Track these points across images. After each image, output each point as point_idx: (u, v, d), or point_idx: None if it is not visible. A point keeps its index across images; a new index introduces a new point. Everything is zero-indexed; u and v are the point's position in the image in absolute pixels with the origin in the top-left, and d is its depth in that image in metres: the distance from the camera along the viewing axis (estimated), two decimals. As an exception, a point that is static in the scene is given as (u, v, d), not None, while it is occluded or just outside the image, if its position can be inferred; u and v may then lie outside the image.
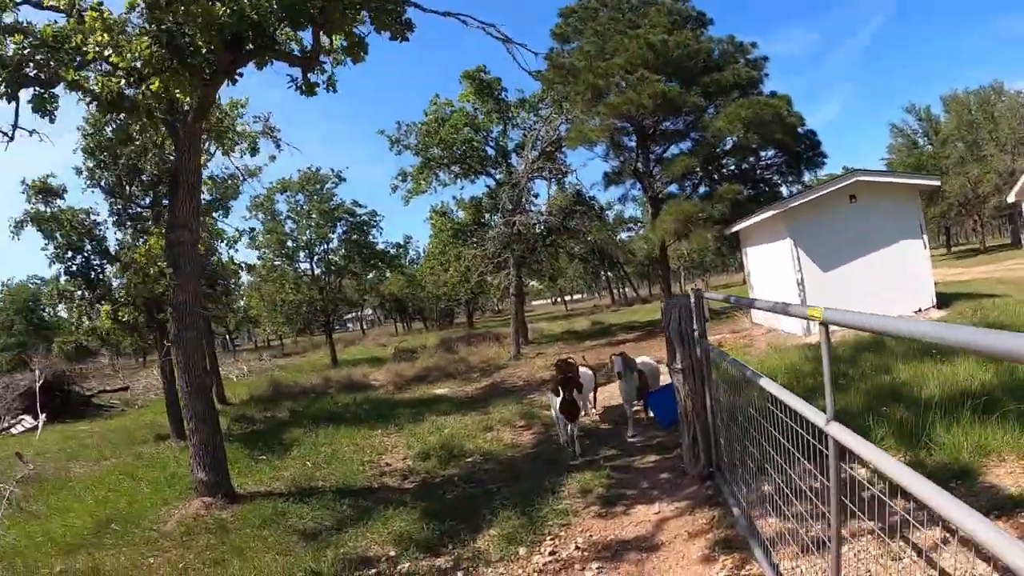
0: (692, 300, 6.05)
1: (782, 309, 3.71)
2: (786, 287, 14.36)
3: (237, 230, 15.99)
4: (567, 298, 69.64)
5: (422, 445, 9.09)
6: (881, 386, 7.40)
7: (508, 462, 8.01)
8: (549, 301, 77.57)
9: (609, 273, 54.47)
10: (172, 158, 8.54)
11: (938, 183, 16.77)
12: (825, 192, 14.25)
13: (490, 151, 23.91)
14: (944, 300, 14.32)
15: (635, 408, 8.78)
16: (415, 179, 22.83)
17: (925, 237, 14.32)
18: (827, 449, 2.90)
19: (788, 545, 4.18)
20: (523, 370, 16.98)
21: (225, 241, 15.10)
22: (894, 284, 13.53)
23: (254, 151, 11.10)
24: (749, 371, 4.30)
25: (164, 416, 12.47)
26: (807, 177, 21.82)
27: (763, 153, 22.30)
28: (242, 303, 33.03)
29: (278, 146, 11.14)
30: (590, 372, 9.12)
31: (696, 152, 20.90)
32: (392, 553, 5.37)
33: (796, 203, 14.41)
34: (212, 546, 5.79)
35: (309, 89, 7.99)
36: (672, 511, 5.63)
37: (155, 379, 20.73)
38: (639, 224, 28.07)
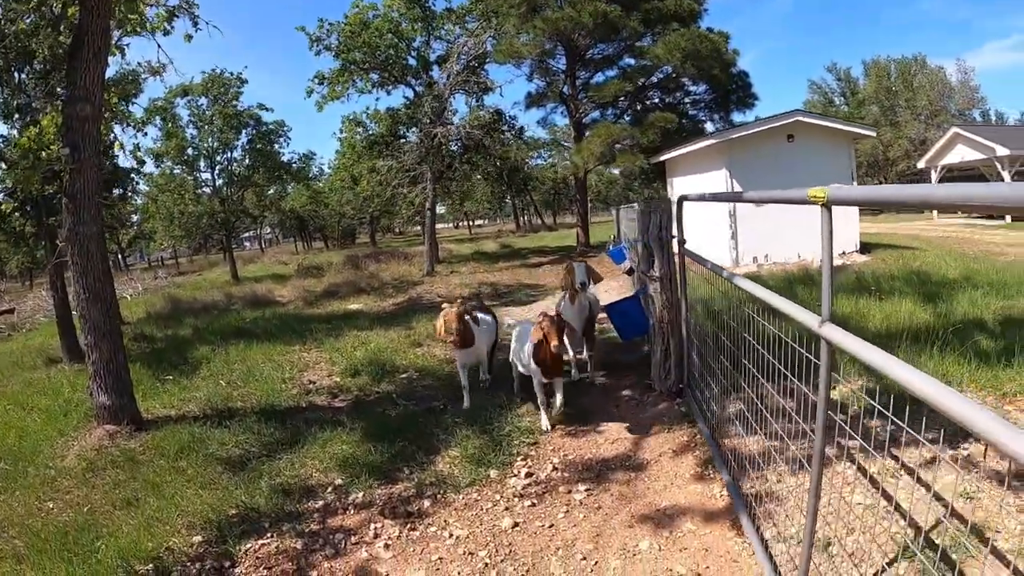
0: (674, 205, 5.54)
1: (780, 196, 3.14)
2: (716, 219, 14.24)
3: (147, 110, 13.65)
4: (471, 223, 68.99)
5: (348, 361, 8.26)
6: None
7: (447, 378, 7.32)
8: (451, 225, 76.58)
9: (516, 199, 54.05)
10: (68, 43, 6.92)
11: (873, 133, 17.10)
12: (764, 128, 14.22)
13: (411, 61, 22.39)
14: (865, 248, 14.74)
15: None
16: (332, 83, 21.00)
17: (855, 184, 14.56)
18: (818, 357, 2.53)
19: (759, 466, 3.87)
20: (439, 287, 16.36)
21: (133, 125, 13.10)
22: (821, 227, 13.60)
23: (167, 27, 9.31)
24: (725, 272, 3.91)
25: (56, 337, 10.84)
26: (736, 116, 21.82)
27: (693, 88, 22.19)
28: (136, 217, 30.35)
29: (196, 24, 9.44)
30: (490, 318, 6.89)
31: (628, 77, 20.41)
32: (339, 481, 4.63)
33: (736, 135, 14.36)
34: (121, 483, 4.78)
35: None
36: (647, 429, 5.23)
37: (44, 300, 18.39)
38: (555, 148, 27.54)
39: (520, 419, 5.64)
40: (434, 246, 21.34)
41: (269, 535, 3.95)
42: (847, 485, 3.81)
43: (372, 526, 3.97)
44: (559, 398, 5.40)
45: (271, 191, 30.66)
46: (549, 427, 5.41)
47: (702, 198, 5.21)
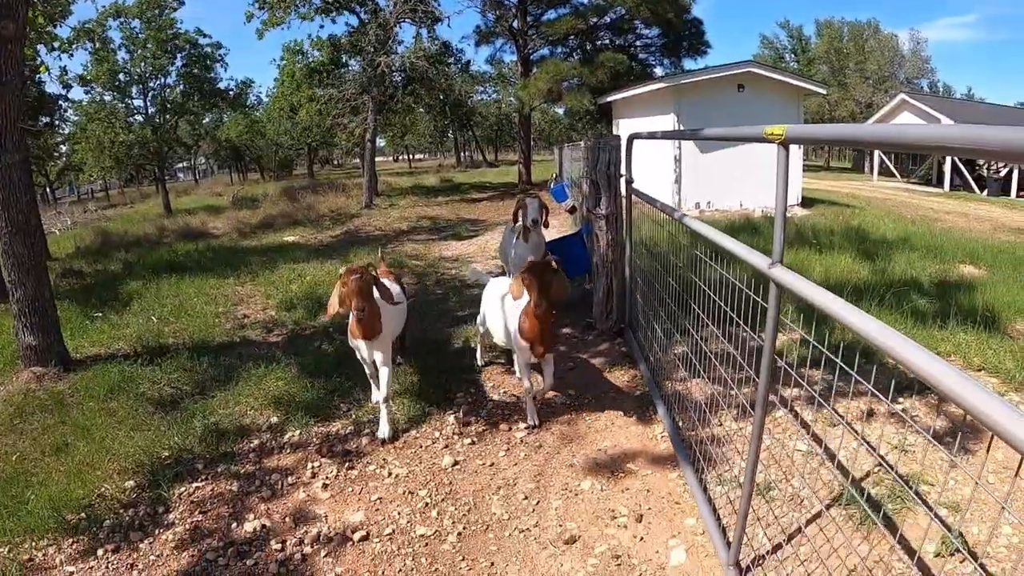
0: (623, 142, 5.43)
1: (735, 133, 2.96)
2: (660, 163, 14.22)
3: (75, 30, 12.26)
4: (412, 157, 67.81)
5: (283, 294, 8.05)
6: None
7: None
8: (391, 159, 75.14)
9: (458, 134, 53.21)
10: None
11: (823, 91, 17.19)
12: (716, 76, 14.17)
13: (358, -14, 21.24)
14: (806, 202, 15.06)
15: None
16: (273, 8, 19.68)
17: (802, 140, 14.71)
18: (767, 301, 2.44)
19: (701, 410, 3.93)
20: (378, 220, 16.12)
21: (59, 47, 11.90)
22: (765, 177, 13.70)
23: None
24: (677, 213, 3.75)
25: (-21, 275, 10.14)
26: (687, 63, 21.74)
27: (645, 31, 21.94)
28: (64, 147, 28.45)
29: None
30: (399, 289, 4.71)
31: (581, 15, 20.00)
32: (274, 419, 4.46)
33: (686, 80, 14.28)
34: (50, 427, 4.48)
35: None
36: (589, 369, 5.24)
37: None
38: (501, 84, 27.02)
39: (459, 355, 5.58)
40: (373, 178, 20.81)
41: (203, 478, 3.79)
42: (785, 431, 3.89)
43: (309, 465, 3.85)
44: (549, 377, 4.24)
45: (206, 119, 29.24)
46: (536, 422, 4.26)
47: (653, 136, 5.09)
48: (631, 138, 5.34)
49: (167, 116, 23.82)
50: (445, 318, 6.79)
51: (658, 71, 22.14)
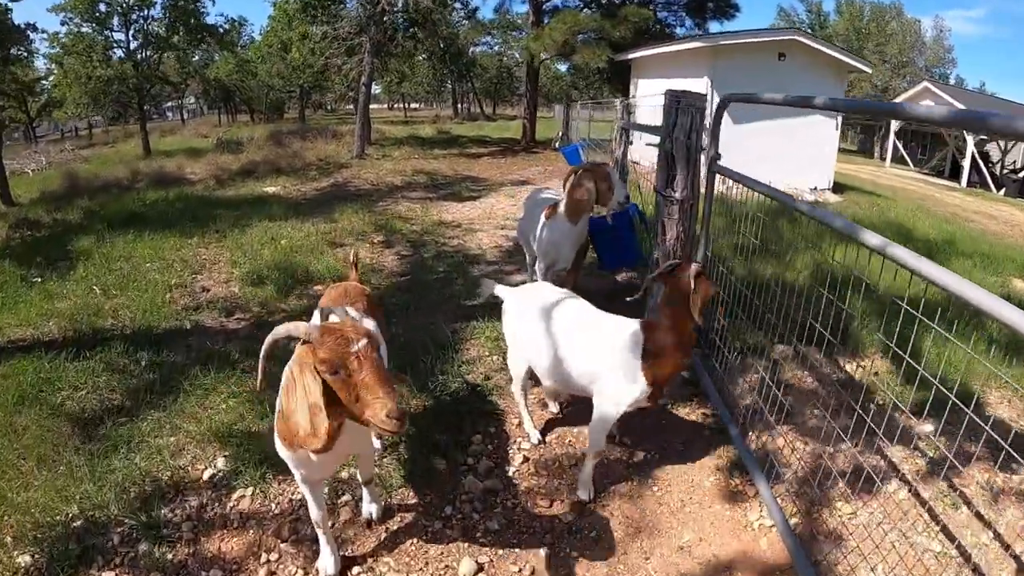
0: (714, 103, 4.06)
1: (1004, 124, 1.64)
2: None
3: None
4: (407, 105, 65.64)
5: (252, 262, 6.70)
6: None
7: (374, 296, 5.90)
8: (386, 106, 72.88)
9: (456, 84, 51.20)
10: None
11: (869, 69, 15.98)
12: (756, 40, 12.97)
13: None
14: (837, 188, 14.08)
15: None
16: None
17: (839, 119, 13.59)
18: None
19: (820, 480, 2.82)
20: (369, 172, 14.56)
21: None
22: (799, 157, 12.79)
23: None
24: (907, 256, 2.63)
25: None
26: (712, 26, 20.32)
27: (670, -12, 20.45)
28: (46, 82, 26.60)
29: None
30: (372, 323, 2.81)
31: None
32: (220, 463, 3.19)
33: (723, 41, 12.97)
34: None
35: None
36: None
37: None
38: (506, 35, 25.37)
39: (470, 368, 4.25)
40: (367, 126, 19.15)
41: (117, 562, 2.59)
42: (902, 515, 2.77)
43: (263, 557, 2.62)
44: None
45: (195, 57, 27.40)
46: (592, 496, 2.99)
47: (812, 102, 3.06)
48: (725, 100, 3.90)
49: (149, 51, 22.03)
50: (448, 307, 5.48)
51: (679, 32, 20.74)
